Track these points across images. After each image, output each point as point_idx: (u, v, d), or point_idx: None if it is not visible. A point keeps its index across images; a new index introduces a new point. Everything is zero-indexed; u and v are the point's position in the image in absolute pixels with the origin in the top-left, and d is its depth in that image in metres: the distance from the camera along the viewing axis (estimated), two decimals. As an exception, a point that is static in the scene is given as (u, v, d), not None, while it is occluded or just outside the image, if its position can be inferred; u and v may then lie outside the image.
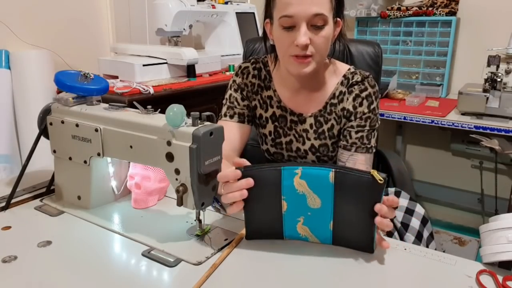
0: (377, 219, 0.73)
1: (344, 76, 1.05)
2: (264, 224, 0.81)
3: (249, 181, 0.76)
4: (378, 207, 0.73)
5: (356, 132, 1.02)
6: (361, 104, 1.03)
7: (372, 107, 1.03)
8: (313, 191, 0.76)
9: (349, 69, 1.06)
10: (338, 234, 0.79)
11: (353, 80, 1.04)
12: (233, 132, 1.08)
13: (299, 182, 0.76)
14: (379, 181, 0.72)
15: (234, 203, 0.77)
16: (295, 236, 0.81)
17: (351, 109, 1.03)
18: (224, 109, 1.11)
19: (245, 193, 0.76)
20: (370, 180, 0.73)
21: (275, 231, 0.81)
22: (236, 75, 1.12)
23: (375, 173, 0.73)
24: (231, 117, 1.10)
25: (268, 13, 0.99)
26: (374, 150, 1.04)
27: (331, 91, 1.05)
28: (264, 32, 1.04)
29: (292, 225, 0.80)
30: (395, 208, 0.76)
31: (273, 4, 0.95)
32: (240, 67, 1.12)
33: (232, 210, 0.78)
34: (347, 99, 1.04)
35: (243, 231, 0.83)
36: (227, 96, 1.12)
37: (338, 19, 0.98)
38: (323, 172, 0.75)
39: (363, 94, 1.03)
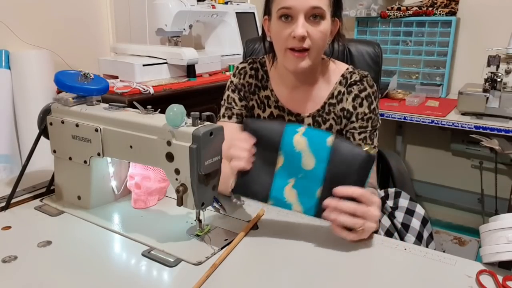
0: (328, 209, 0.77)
1: (343, 75, 1.06)
2: (254, 178, 0.81)
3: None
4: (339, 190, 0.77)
5: (359, 133, 1.02)
6: (361, 105, 1.03)
7: (372, 107, 1.03)
8: (310, 149, 0.78)
9: (347, 69, 1.07)
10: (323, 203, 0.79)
11: (352, 80, 1.04)
12: (232, 133, 1.08)
13: (299, 139, 0.79)
14: (371, 152, 0.77)
15: (240, 160, 0.80)
16: (280, 198, 0.81)
17: (351, 109, 1.04)
18: (222, 110, 1.12)
19: (251, 151, 0.81)
20: (362, 153, 0.77)
21: (262, 189, 0.81)
22: (234, 75, 1.12)
23: (366, 147, 0.78)
24: (230, 117, 1.10)
25: (267, 9, 1.00)
26: (377, 150, 1.04)
27: (330, 90, 1.05)
28: (263, 30, 1.04)
29: (281, 185, 0.81)
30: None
31: None
32: (237, 67, 1.13)
33: (236, 165, 0.80)
34: (347, 99, 1.04)
35: (243, 231, 0.83)
36: (225, 97, 1.12)
37: (336, 19, 0.98)
38: (323, 134, 0.79)
39: (362, 94, 1.03)
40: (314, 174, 0.79)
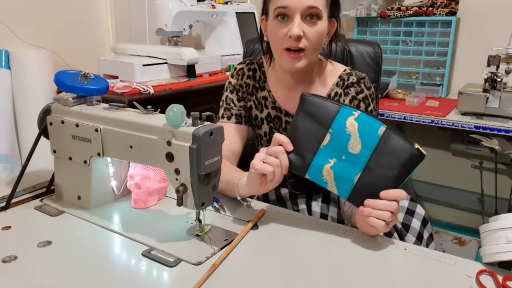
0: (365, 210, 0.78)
1: (340, 77, 1.06)
2: (296, 150, 0.82)
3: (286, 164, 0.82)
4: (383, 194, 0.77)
5: None
6: (358, 107, 1.03)
7: (369, 109, 1.03)
8: (359, 134, 0.79)
9: (344, 70, 1.07)
10: (359, 189, 0.80)
11: (349, 82, 1.04)
12: (231, 134, 1.08)
13: (352, 122, 0.80)
14: (423, 152, 0.77)
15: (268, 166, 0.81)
16: (317, 176, 0.82)
17: None
18: (221, 111, 1.12)
19: (284, 170, 0.82)
20: (412, 150, 0.78)
21: (302, 163, 0.82)
22: (232, 76, 1.13)
23: (419, 146, 0.78)
24: (228, 118, 1.10)
25: (265, 9, 1.00)
26: None
27: (327, 92, 1.06)
28: (261, 30, 1.05)
29: (321, 163, 0.82)
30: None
31: None
32: (235, 68, 1.13)
33: (265, 168, 0.81)
34: (343, 101, 1.04)
35: (243, 231, 0.83)
36: (223, 98, 1.12)
37: (333, 19, 0.98)
38: (376, 123, 0.79)
39: (359, 97, 1.03)
40: (358, 159, 0.80)
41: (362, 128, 0.79)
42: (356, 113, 0.80)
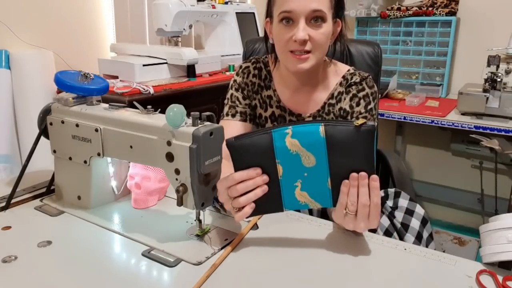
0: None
1: (343, 76, 1.06)
2: (262, 196, 0.77)
3: (265, 177, 0.75)
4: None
5: None
6: (358, 104, 1.03)
7: (369, 107, 1.03)
8: (306, 149, 0.75)
9: (348, 70, 1.07)
10: (338, 191, 0.76)
11: (352, 81, 1.05)
12: (236, 131, 1.08)
13: (291, 141, 0.75)
14: (369, 123, 0.72)
15: (245, 206, 0.75)
16: (295, 204, 0.78)
17: (347, 108, 1.04)
18: (226, 109, 1.12)
19: (265, 188, 0.75)
20: (358, 131, 0.73)
21: (274, 202, 0.78)
22: (237, 74, 1.13)
23: (360, 122, 0.72)
24: (233, 116, 1.10)
25: (269, 12, 1.00)
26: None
27: (330, 91, 1.06)
28: (265, 32, 1.05)
29: (290, 191, 0.78)
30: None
31: (273, 1, 0.96)
32: (240, 66, 1.13)
33: (242, 215, 0.76)
34: (345, 99, 1.05)
35: (243, 231, 0.83)
36: (228, 95, 1.12)
37: (338, 19, 0.99)
38: (313, 127, 0.74)
39: (360, 94, 1.03)
40: (319, 168, 0.76)
41: (304, 141, 0.75)
42: (289, 130, 0.74)
